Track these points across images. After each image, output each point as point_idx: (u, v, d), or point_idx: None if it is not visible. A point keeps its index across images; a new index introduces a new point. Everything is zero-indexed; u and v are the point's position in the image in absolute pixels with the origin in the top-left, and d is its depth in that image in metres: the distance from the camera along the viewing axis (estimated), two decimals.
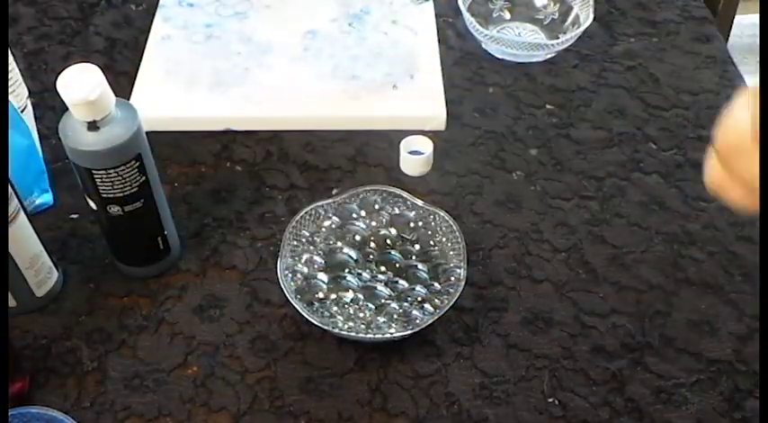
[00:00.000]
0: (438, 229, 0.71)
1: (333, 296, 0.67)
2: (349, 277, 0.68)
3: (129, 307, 0.70)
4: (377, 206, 0.72)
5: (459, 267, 0.67)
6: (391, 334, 0.64)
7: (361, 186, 0.73)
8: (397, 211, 0.72)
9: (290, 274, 0.67)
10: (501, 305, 0.70)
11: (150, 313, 0.69)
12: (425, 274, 0.68)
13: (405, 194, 0.72)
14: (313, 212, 0.71)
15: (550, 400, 0.63)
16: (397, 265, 0.69)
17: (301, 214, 0.70)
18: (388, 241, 0.71)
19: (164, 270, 0.72)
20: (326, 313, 0.66)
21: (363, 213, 0.72)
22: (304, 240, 0.70)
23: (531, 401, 0.63)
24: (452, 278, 0.67)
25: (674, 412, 0.63)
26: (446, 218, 0.70)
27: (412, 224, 0.72)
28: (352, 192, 0.72)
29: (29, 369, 0.65)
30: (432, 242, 0.70)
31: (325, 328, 0.64)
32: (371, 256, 0.70)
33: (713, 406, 0.63)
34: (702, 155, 0.81)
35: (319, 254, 0.70)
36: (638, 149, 0.82)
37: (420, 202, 0.72)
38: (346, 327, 0.65)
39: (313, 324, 0.64)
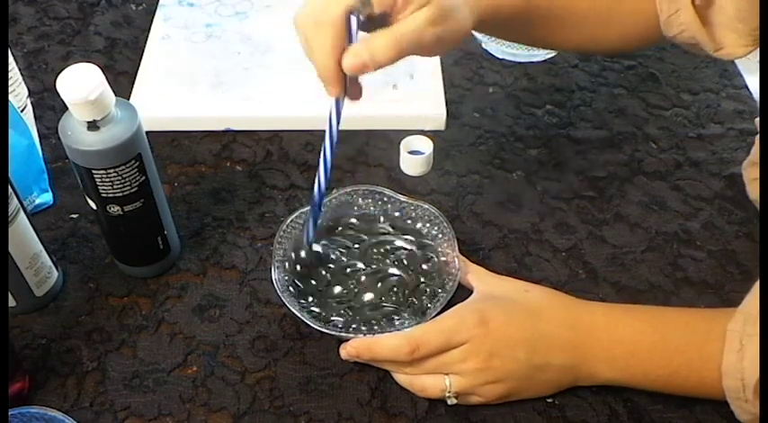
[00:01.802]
0: (426, 222, 0.71)
1: (330, 298, 0.67)
2: (343, 278, 0.68)
3: (129, 307, 0.70)
4: (362, 206, 0.72)
5: (453, 259, 0.67)
6: (393, 332, 0.63)
7: (342, 188, 0.72)
8: (382, 209, 0.72)
9: (286, 282, 0.67)
10: None
11: (150, 313, 0.69)
12: (420, 269, 0.68)
13: (387, 191, 0.72)
14: (298, 220, 0.70)
15: (549, 400, 0.63)
16: (390, 263, 0.69)
17: (287, 222, 0.70)
18: (378, 240, 0.70)
19: (164, 270, 0.72)
20: (325, 315, 0.66)
21: (348, 215, 0.72)
22: (294, 247, 0.70)
23: (529, 402, 0.63)
24: (448, 270, 0.67)
25: (674, 412, 0.63)
26: (432, 210, 0.70)
27: (398, 220, 0.71)
28: (334, 195, 0.72)
29: (29, 369, 0.65)
30: (421, 236, 0.70)
31: (325, 330, 0.64)
32: (362, 256, 0.69)
33: (713, 406, 0.63)
34: (702, 154, 0.82)
35: (311, 258, 0.69)
36: (638, 149, 0.82)
37: (403, 198, 0.72)
38: (344, 328, 0.65)
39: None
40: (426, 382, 0.62)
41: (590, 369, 0.61)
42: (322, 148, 0.63)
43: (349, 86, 0.60)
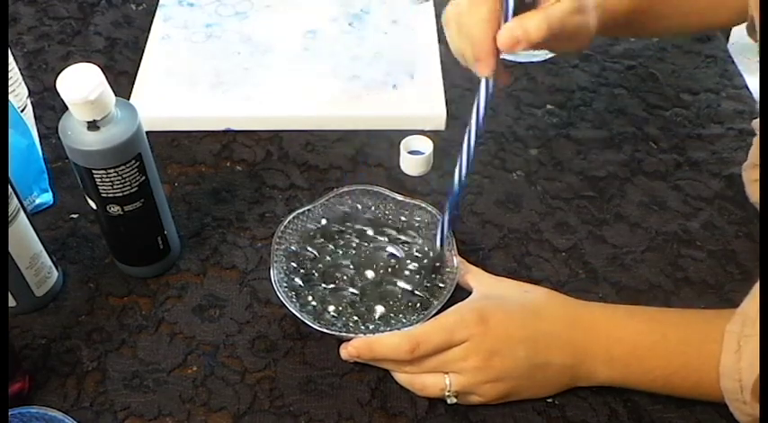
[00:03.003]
0: (426, 222, 0.71)
1: (329, 299, 0.67)
2: (343, 279, 0.68)
3: (129, 307, 0.70)
4: (359, 206, 0.72)
5: (452, 259, 0.67)
6: (392, 330, 0.63)
7: (340, 188, 0.72)
8: (381, 208, 0.72)
9: (284, 284, 0.67)
10: None
11: (150, 313, 0.69)
12: (419, 269, 0.68)
13: (386, 191, 0.72)
14: (296, 220, 0.71)
15: (549, 400, 0.63)
16: (389, 262, 0.69)
17: (286, 222, 0.70)
18: (377, 240, 0.70)
19: (164, 270, 0.72)
20: (324, 315, 0.66)
21: (347, 214, 0.72)
22: (292, 249, 0.70)
23: (529, 402, 0.63)
24: (446, 270, 0.67)
25: (674, 412, 0.63)
26: (428, 209, 0.70)
27: (397, 221, 0.72)
28: (332, 194, 0.72)
29: (29, 369, 0.65)
30: (419, 235, 0.70)
31: (325, 330, 0.64)
32: (361, 256, 0.69)
33: (713, 406, 0.62)
34: (702, 154, 0.82)
35: (310, 260, 0.69)
36: (638, 149, 0.82)
37: (402, 198, 0.72)
38: (344, 327, 0.65)
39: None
40: (426, 381, 0.62)
41: (589, 368, 0.61)
42: (466, 135, 0.62)
43: (498, 69, 0.61)
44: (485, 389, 0.61)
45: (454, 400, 0.62)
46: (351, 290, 0.67)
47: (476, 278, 0.67)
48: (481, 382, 0.61)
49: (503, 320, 0.62)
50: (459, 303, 0.64)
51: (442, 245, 0.68)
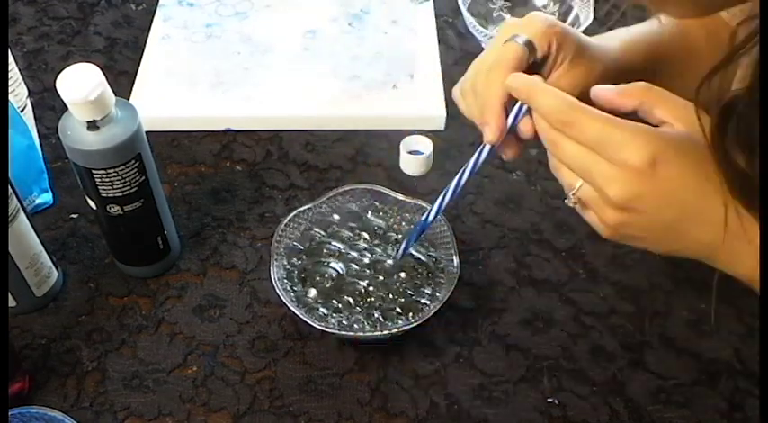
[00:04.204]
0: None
1: (329, 298, 0.67)
2: (342, 277, 0.68)
3: (129, 307, 0.70)
4: (359, 205, 0.72)
5: (451, 257, 0.67)
6: (392, 330, 0.63)
7: (341, 187, 0.73)
8: (381, 208, 0.72)
9: (284, 282, 0.67)
10: (500, 305, 0.70)
11: (150, 313, 0.69)
12: (419, 269, 0.68)
13: (386, 191, 0.72)
14: (296, 219, 0.71)
15: (550, 400, 0.63)
16: (389, 262, 0.69)
17: (286, 221, 0.70)
18: (377, 239, 0.70)
19: (164, 270, 0.72)
20: (325, 314, 0.66)
21: (346, 214, 0.72)
22: (292, 247, 0.70)
23: (530, 402, 0.63)
24: (446, 268, 0.67)
25: (674, 412, 0.63)
26: (428, 208, 0.70)
27: (397, 220, 0.72)
28: (331, 194, 0.72)
29: (29, 369, 0.65)
30: (420, 236, 0.70)
31: (325, 329, 0.64)
32: (361, 255, 0.69)
33: (713, 406, 0.63)
34: None
35: (309, 258, 0.69)
36: None
37: (402, 197, 0.72)
38: (344, 326, 0.65)
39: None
40: (563, 173, 0.56)
41: (729, 258, 0.53)
42: (454, 181, 0.62)
43: (505, 140, 0.60)
44: (606, 216, 0.54)
45: (572, 205, 0.56)
46: (350, 289, 0.67)
47: (669, 109, 0.55)
48: (607, 208, 0.53)
49: (672, 177, 0.51)
50: (647, 126, 0.53)
51: (394, 258, 0.68)
